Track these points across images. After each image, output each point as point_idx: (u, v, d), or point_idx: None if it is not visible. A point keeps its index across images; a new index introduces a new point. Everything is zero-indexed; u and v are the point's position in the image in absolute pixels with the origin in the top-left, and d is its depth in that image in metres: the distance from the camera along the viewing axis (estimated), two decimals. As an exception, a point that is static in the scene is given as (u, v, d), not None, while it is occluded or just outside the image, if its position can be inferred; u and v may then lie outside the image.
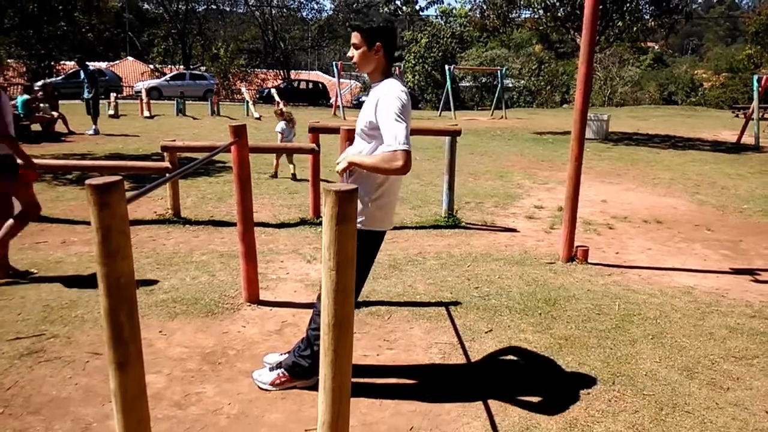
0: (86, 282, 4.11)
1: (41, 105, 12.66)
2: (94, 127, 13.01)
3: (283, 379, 2.81)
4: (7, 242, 4.15)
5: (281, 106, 11.15)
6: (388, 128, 2.37)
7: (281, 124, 8.43)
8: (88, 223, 1.61)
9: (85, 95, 13.15)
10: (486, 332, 3.53)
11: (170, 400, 2.70)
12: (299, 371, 2.78)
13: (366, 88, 40.19)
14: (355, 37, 2.52)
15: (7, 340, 3.21)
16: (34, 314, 3.55)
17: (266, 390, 2.81)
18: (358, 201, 2.51)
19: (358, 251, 2.54)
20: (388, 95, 2.43)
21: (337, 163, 2.60)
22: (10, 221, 4.15)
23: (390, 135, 2.35)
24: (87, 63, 13.61)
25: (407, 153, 2.33)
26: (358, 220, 2.51)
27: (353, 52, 2.55)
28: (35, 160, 4.38)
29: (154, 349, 3.17)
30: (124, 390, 1.72)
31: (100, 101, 13.68)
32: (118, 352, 1.69)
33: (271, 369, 2.87)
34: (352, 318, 1.80)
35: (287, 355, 2.93)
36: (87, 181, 1.57)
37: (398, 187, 2.70)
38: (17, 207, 4.23)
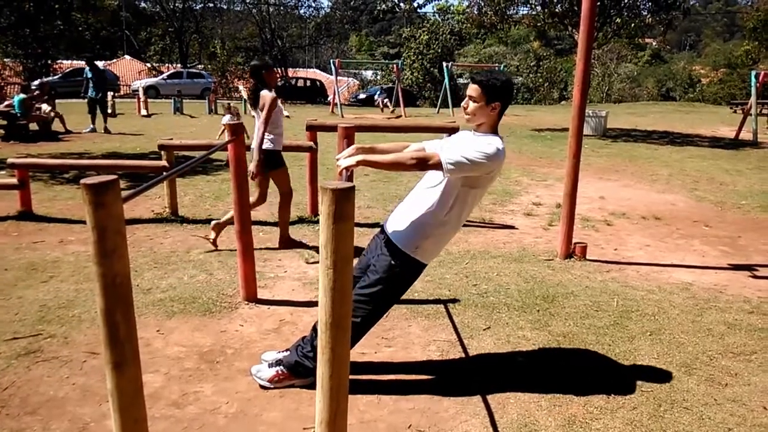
0: (83, 281, 4.10)
1: (43, 105, 12.62)
2: (91, 126, 13.01)
3: (282, 377, 2.81)
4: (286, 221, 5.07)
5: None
6: (456, 151, 2.43)
7: (227, 117, 9.24)
8: (86, 223, 1.60)
9: (90, 94, 13.08)
10: (484, 329, 3.53)
11: (168, 399, 2.70)
12: (302, 371, 2.76)
13: (364, 86, 40.12)
14: (474, 90, 2.54)
15: (4, 340, 3.20)
16: (32, 314, 3.55)
17: (264, 386, 2.80)
18: (418, 228, 2.55)
19: (399, 277, 2.58)
20: (489, 143, 2.48)
21: (337, 162, 2.59)
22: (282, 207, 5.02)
23: (450, 151, 2.41)
24: (95, 62, 13.56)
25: (437, 165, 2.40)
26: (410, 246, 2.55)
27: (468, 103, 2.57)
28: (31, 160, 4.37)
29: (151, 348, 3.16)
30: (121, 390, 1.72)
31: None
32: (115, 352, 1.68)
33: (270, 365, 2.87)
34: (350, 316, 1.79)
35: (286, 352, 2.92)
36: (82, 181, 1.57)
37: (459, 226, 2.70)
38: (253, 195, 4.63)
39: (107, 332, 1.66)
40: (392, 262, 2.57)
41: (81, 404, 2.63)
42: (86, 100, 13.27)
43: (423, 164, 2.44)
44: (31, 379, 2.82)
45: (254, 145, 4.58)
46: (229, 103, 9.99)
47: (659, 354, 3.27)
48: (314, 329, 2.77)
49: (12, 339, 3.22)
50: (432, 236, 2.57)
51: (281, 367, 2.82)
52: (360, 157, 2.41)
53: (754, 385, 2.97)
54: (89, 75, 13.05)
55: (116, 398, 1.72)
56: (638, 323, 3.68)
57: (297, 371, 2.78)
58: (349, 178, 2.55)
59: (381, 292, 2.60)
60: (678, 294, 4.24)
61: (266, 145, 4.68)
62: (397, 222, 2.63)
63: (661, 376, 3.02)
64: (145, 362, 2.76)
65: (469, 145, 2.49)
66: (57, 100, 14.91)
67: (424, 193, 2.59)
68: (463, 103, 2.62)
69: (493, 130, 2.60)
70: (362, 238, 4.84)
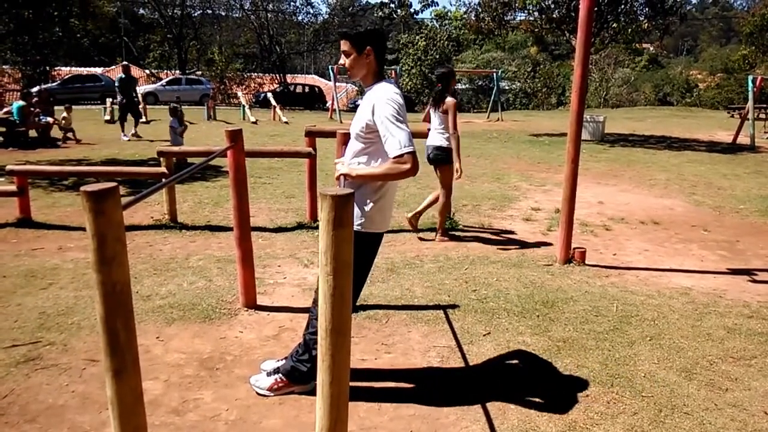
0: (83, 288, 4.10)
1: (63, 113, 12.65)
2: (124, 133, 13.08)
3: (281, 384, 2.80)
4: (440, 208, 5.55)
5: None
6: (389, 134, 2.40)
7: (173, 120, 10.07)
8: (85, 229, 1.60)
9: (119, 100, 13.20)
10: (484, 335, 3.53)
11: (168, 406, 2.69)
12: (298, 376, 2.77)
13: (362, 93, 40.22)
14: (345, 44, 2.54)
15: (3, 347, 3.20)
16: (31, 321, 3.54)
17: (264, 395, 2.80)
18: (357, 204, 2.52)
19: (356, 254, 2.54)
20: (383, 99, 2.45)
21: (336, 165, 2.59)
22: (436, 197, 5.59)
23: (393, 140, 2.39)
24: (129, 69, 13.64)
25: (412, 155, 2.38)
26: (357, 222, 2.52)
27: (344, 60, 2.57)
28: (30, 167, 4.39)
29: (151, 355, 3.16)
30: (121, 397, 1.72)
31: (104, 106, 13.73)
32: (115, 360, 1.68)
33: (269, 374, 2.86)
34: (350, 323, 1.79)
35: (284, 360, 2.91)
36: (82, 188, 1.57)
37: (395, 189, 2.71)
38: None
39: (107, 340, 1.66)
40: None
41: (81, 412, 2.62)
42: (116, 107, 13.35)
43: (398, 171, 2.40)
44: (31, 387, 2.81)
45: (453, 146, 5.27)
46: (174, 105, 10.53)
47: (659, 359, 3.27)
48: (307, 329, 2.77)
49: (11, 346, 3.21)
50: (374, 206, 2.55)
51: (279, 374, 2.82)
52: (345, 169, 2.46)
53: (755, 389, 2.96)
54: (117, 82, 13.13)
55: (116, 406, 1.72)
56: (638, 328, 3.68)
57: (294, 377, 2.77)
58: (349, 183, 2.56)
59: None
60: (677, 299, 4.24)
61: (445, 143, 5.32)
62: None
63: (661, 381, 3.02)
64: (144, 369, 2.76)
65: (380, 114, 2.42)
66: (55, 107, 14.89)
67: (351, 165, 2.58)
68: (340, 62, 2.61)
69: (377, 78, 2.58)
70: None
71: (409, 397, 2.83)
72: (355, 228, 2.50)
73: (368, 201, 2.55)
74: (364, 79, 2.60)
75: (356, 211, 2.53)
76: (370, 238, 2.61)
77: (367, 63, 2.55)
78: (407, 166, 2.37)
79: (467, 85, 40.87)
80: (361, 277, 2.67)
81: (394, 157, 2.38)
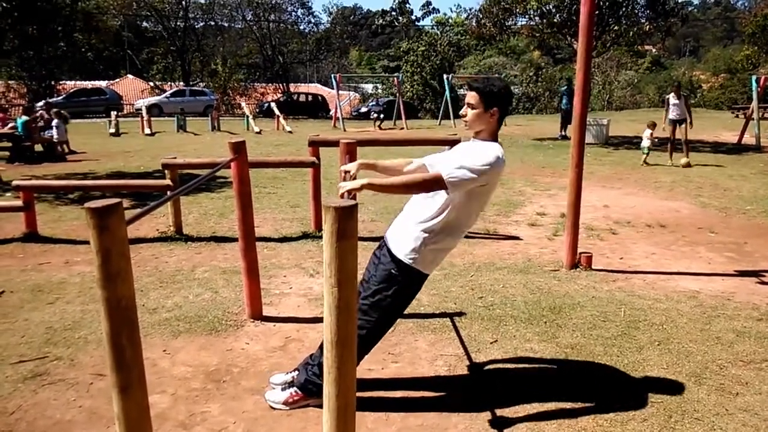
0: (89, 302, 4.11)
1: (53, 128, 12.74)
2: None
3: (296, 398, 2.79)
4: None
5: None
6: (455, 163, 2.41)
7: (55, 121, 11.64)
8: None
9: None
10: (491, 343, 3.51)
11: (175, 420, 2.68)
12: (313, 389, 2.74)
13: (365, 99, 40.31)
14: (473, 98, 2.54)
15: (10, 363, 3.20)
16: (38, 336, 3.55)
17: (280, 409, 2.78)
18: (417, 238, 2.53)
19: (400, 287, 2.56)
20: (488, 151, 2.46)
21: (341, 174, 2.57)
22: None
23: (454, 171, 2.38)
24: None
25: (441, 184, 2.38)
26: (410, 255, 2.53)
27: (467, 111, 2.57)
28: (36, 182, 4.41)
29: (158, 368, 3.16)
30: (128, 413, 1.71)
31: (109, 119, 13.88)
32: (121, 376, 1.68)
33: (284, 389, 2.85)
34: (355, 334, 1.78)
35: (296, 372, 2.91)
36: (86, 204, 1.57)
37: (460, 237, 2.67)
38: None
39: (113, 355, 1.66)
40: (393, 272, 2.55)
41: (88, 427, 2.62)
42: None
43: (428, 185, 2.42)
44: (38, 403, 2.82)
45: None
46: (59, 111, 11.32)
47: (668, 364, 3.24)
48: (321, 347, 2.76)
49: (18, 362, 3.22)
50: (431, 246, 2.54)
51: (294, 388, 2.81)
52: (365, 181, 2.39)
53: (766, 393, 2.93)
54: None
55: (123, 421, 1.71)
56: (646, 333, 3.65)
57: (309, 390, 2.75)
58: (353, 196, 2.55)
59: (384, 303, 2.57)
60: (685, 302, 4.21)
61: None
62: (396, 232, 2.63)
63: (670, 386, 3.00)
64: (151, 383, 2.75)
65: (468, 156, 2.47)
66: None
67: (422, 202, 2.57)
68: (461, 111, 2.61)
69: (493, 137, 2.59)
70: (367, 252, 4.82)
71: (417, 407, 2.82)
72: (410, 263, 2.53)
73: (429, 240, 2.53)
74: (479, 134, 2.60)
75: (413, 244, 2.53)
76: (419, 277, 2.60)
77: (490, 122, 2.56)
78: (434, 184, 2.38)
79: (466, 88, 40.87)
80: (396, 312, 2.67)
81: (436, 173, 2.39)
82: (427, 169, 2.64)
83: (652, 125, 11.76)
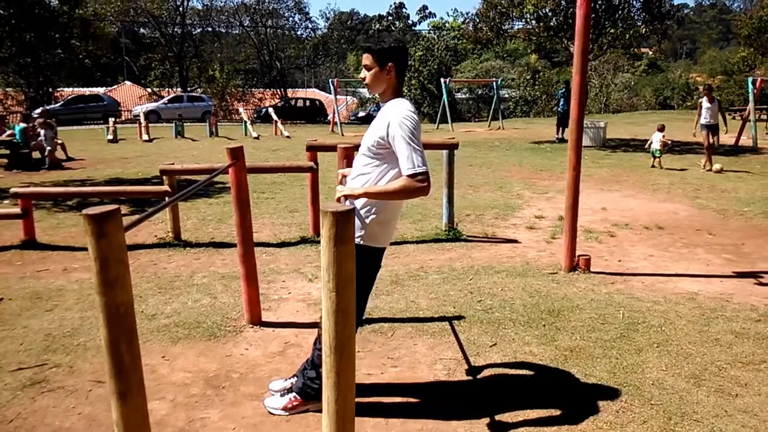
0: (88, 309, 4.10)
1: (54, 139, 12.69)
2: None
3: (295, 403, 2.79)
4: None
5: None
6: (403, 152, 2.39)
7: (42, 131, 11.53)
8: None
9: None
10: (490, 346, 3.51)
11: (174, 426, 2.68)
12: (311, 393, 2.74)
13: (363, 104, 40.40)
14: (367, 59, 2.54)
15: (9, 371, 3.20)
16: (37, 344, 3.54)
17: (279, 415, 2.78)
18: (358, 215, 2.52)
19: (357, 268, 2.54)
20: (398, 117, 2.43)
21: (337, 179, 2.57)
22: None
23: (407, 159, 2.38)
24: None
25: (426, 174, 2.38)
26: (357, 235, 2.50)
27: (365, 74, 2.56)
28: (34, 189, 4.41)
29: (157, 375, 3.15)
30: (127, 420, 1.71)
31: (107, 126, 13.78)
32: (120, 382, 1.68)
33: (282, 395, 2.85)
34: (354, 339, 1.79)
35: (295, 378, 2.91)
36: (84, 211, 1.57)
37: (401, 204, 2.68)
38: None
39: (112, 362, 1.66)
40: None
41: (87, 434, 2.61)
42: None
43: (414, 186, 2.38)
44: (37, 410, 2.81)
45: None
46: (44, 120, 11.75)
47: (667, 366, 3.25)
48: (315, 346, 2.76)
49: (17, 369, 3.21)
50: (373, 219, 2.52)
51: (293, 394, 2.81)
52: (361, 189, 2.41)
53: (765, 395, 2.94)
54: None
55: (122, 428, 1.71)
56: (645, 335, 3.66)
57: (308, 394, 2.76)
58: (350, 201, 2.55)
59: None
60: (684, 304, 4.22)
61: None
62: None
63: (670, 388, 3.00)
64: (150, 389, 2.75)
65: (395, 138, 2.41)
66: (59, 128, 14.99)
67: (357, 180, 2.56)
68: (359, 75, 2.61)
69: (396, 94, 2.58)
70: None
71: (417, 412, 2.81)
72: (356, 241, 2.51)
73: (369, 214, 2.52)
74: (383, 94, 2.60)
75: (357, 223, 2.50)
76: (371, 252, 2.58)
77: (388, 79, 2.55)
78: (421, 185, 2.36)
79: (467, 95, 41.01)
80: (364, 292, 2.64)
81: (409, 176, 2.37)
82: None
83: (662, 128, 11.55)
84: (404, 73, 2.61)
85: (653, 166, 11.30)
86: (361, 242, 2.52)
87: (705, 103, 11.29)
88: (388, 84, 2.56)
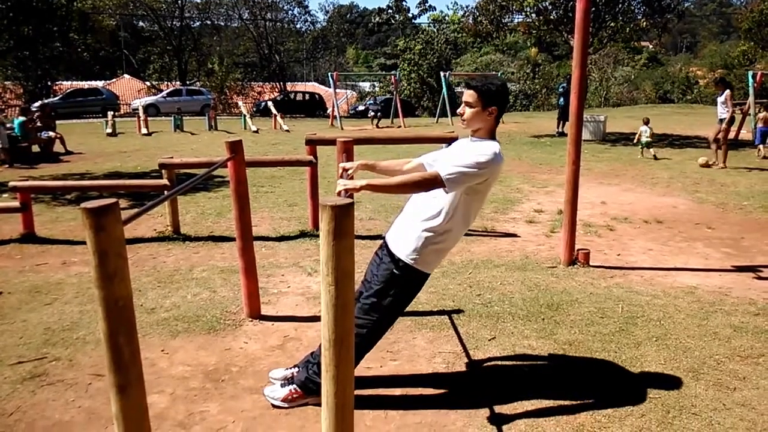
0: (87, 303, 4.10)
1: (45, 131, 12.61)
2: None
3: (295, 396, 2.79)
4: None
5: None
6: (456, 162, 2.41)
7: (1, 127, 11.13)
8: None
9: None
10: (489, 340, 3.52)
11: (174, 420, 2.69)
12: (313, 387, 2.74)
13: (362, 98, 40.28)
14: (470, 96, 2.54)
15: (9, 364, 3.20)
16: (36, 337, 3.54)
17: (278, 406, 2.78)
18: (419, 238, 2.53)
19: (399, 286, 2.56)
20: (486, 149, 2.46)
21: (339, 173, 2.55)
22: None
23: (452, 167, 2.39)
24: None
25: (438, 181, 2.38)
26: (411, 255, 2.53)
27: (465, 109, 2.57)
28: (33, 182, 4.41)
29: (156, 368, 3.16)
30: (126, 413, 1.71)
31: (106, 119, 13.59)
32: (119, 375, 1.68)
33: (283, 385, 2.86)
34: (353, 332, 1.79)
35: (296, 369, 2.91)
36: (82, 205, 1.57)
37: (461, 236, 2.68)
38: None
39: (111, 356, 1.66)
40: (394, 271, 2.56)
41: (87, 428, 2.62)
42: None
43: (426, 184, 2.41)
44: (37, 404, 2.82)
45: None
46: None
47: (666, 359, 3.25)
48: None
49: (17, 363, 3.22)
50: (432, 246, 2.55)
51: (293, 386, 2.81)
52: (364, 182, 2.39)
53: (763, 388, 2.94)
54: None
55: (121, 421, 1.72)
56: (644, 329, 3.66)
57: (309, 389, 2.75)
58: (350, 195, 2.55)
59: (385, 303, 2.58)
60: (683, 298, 4.22)
61: None
62: (398, 233, 2.63)
63: (668, 382, 3.01)
64: (150, 382, 2.76)
65: (466, 154, 2.48)
66: (57, 121, 14.98)
67: (425, 201, 2.57)
68: (459, 110, 2.62)
69: (490, 136, 2.59)
70: (365, 250, 4.84)
71: (416, 404, 2.82)
72: (411, 263, 2.53)
73: (431, 240, 2.53)
74: (477, 132, 2.60)
75: (414, 244, 2.53)
76: (420, 276, 2.61)
77: (487, 120, 2.56)
78: (427, 183, 2.39)
79: (464, 87, 40.87)
80: (396, 311, 2.67)
81: (439, 175, 2.38)
82: (425, 168, 2.64)
83: (648, 120, 11.88)
84: (502, 116, 2.63)
85: (642, 156, 11.55)
86: (414, 265, 2.54)
87: (720, 98, 10.88)
88: (485, 125, 2.57)
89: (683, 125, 20.13)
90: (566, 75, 18.25)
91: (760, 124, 12.70)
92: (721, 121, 10.71)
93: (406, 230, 2.59)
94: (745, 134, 15.26)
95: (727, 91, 10.73)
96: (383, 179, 2.54)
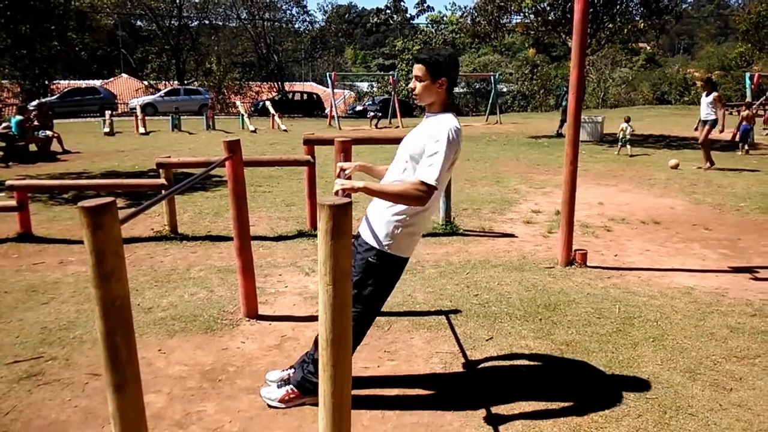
0: (84, 302, 4.09)
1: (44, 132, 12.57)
2: None
3: (292, 396, 2.79)
4: None
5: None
6: (431, 160, 2.39)
7: None
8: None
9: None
10: (487, 340, 3.52)
11: (171, 419, 2.68)
12: (310, 387, 2.74)
13: (360, 98, 40.29)
14: (419, 70, 2.52)
15: (5, 363, 3.19)
16: (33, 336, 3.54)
17: (275, 407, 2.78)
18: (389, 223, 2.52)
19: (377, 274, 2.55)
20: (446, 133, 2.42)
21: (336, 173, 2.55)
22: None
23: (429, 167, 2.38)
24: None
25: (433, 191, 2.37)
26: (385, 242, 2.52)
27: (415, 84, 2.55)
28: (30, 181, 4.40)
29: (153, 368, 3.15)
30: (123, 412, 1.71)
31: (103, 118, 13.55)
32: (116, 375, 1.68)
33: (280, 386, 2.85)
34: (350, 332, 1.79)
35: (292, 370, 2.91)
36: (79, 204, 1.57)
37: (432, 215, 2.66)
38: None
39: (108, 355, 1.66)
40: (370, 260, 2.54)
41: (83, 427, 2.61)
42: None
43: (420, 193, 2.37)
44: (33, 403, 2.81)
45: None
46: None
47: (663, 360, 3.26)
48: (315, 343, 2.76)
49: (13, 362, 3.21)
50: (405, 229, 2.53)
51: (290, 386, 2.81)
52: (362, 184, 2.39)
53: (760, 389, 2.95)
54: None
55: (118, 421, 1.72)
56: (641, 329, 3.67)
57: (306, 388, 2.75)
58: (347, 195, 2.55)
59: (365, 292, 2.56)
60: (680, 299, 4.23)
61: None
62: (369, 220, 2.62)
63: (665, 382, 3.01)
64: (147, 382, 2.76)
65: (429, 143, 2.42)
66: (55, 120, 14.94)
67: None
68: (410, 85, 2.59)
69: (444, 108, 2.57)
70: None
71: (413, 405, 2.82)
72: (386, 249, 2.52)
73: (402, 225, 2.52)
74: (431, 106, 2.58)
75: (385, 230, 2.52)
76: (397, 261, 2.59)
77: (438, 92, 2.53)
78: (423, 196, 2.36)
79: (465, 89, 40.93)
80: (380, 300, 2.65)
81: (421, 182, 2.36)
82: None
83: (629, 119, 12.71)
84: (454, 87, 2.60)
85: (618, 154, 12.25)
86: (389, 251, 2.53)
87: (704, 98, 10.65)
88: (438, 97, 2.55)
89: (680, 126, 20.16)
90: (567, 77, 18.28)
91: (744, 122, 12.86)
92: (705, 122, 10.53)
93: (377, 217, 2.57)
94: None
95: (715, 93, 10.56)
96: (381, 185, 2.53)
